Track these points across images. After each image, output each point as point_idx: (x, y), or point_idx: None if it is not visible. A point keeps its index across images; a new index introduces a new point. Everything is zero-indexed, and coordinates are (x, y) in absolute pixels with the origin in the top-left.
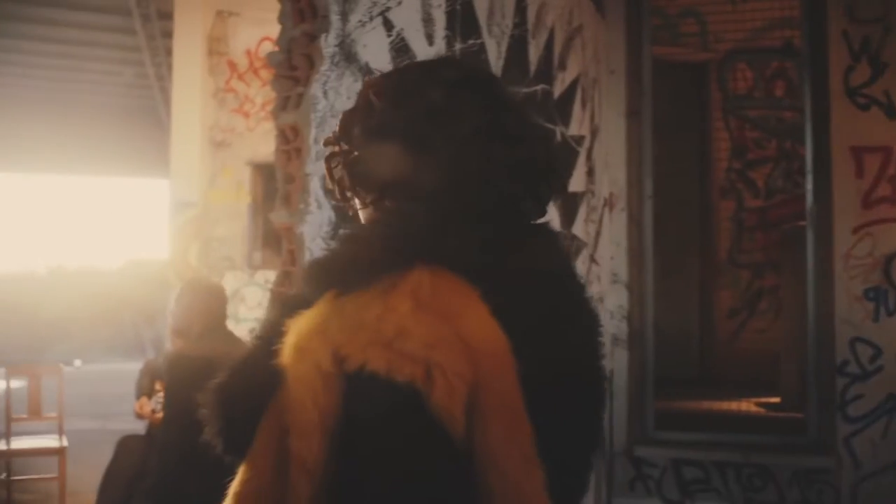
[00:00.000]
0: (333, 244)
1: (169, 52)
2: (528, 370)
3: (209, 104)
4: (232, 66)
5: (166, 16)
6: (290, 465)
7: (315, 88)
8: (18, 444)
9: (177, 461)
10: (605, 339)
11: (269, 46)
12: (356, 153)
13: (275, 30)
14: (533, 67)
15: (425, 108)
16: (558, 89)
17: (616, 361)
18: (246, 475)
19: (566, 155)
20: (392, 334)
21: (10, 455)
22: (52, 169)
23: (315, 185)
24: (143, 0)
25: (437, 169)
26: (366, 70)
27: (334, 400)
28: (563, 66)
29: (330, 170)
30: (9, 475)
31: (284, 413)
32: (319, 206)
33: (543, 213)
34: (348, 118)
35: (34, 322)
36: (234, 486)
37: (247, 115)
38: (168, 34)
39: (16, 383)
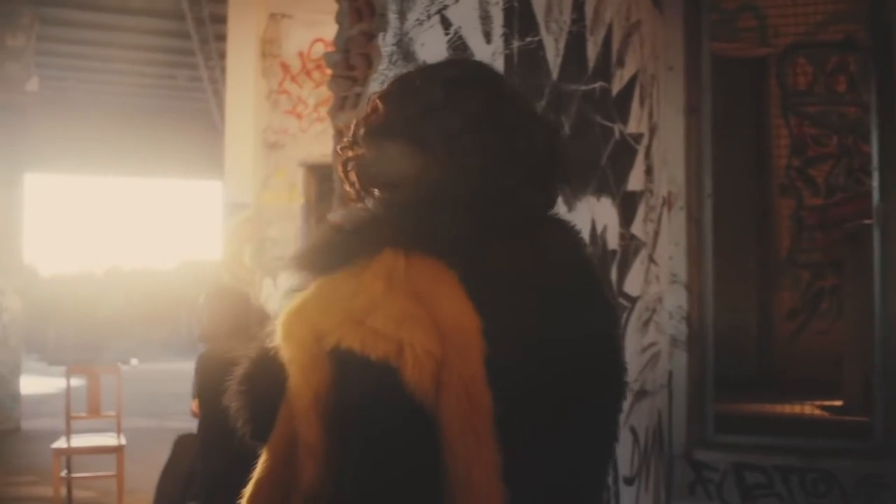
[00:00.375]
0: (314, 233)
1: (222, 55)
2: (508, 355)
3: (262, 106)
4: (285, 67)
5: (219, 19)
6: (297, 448)
7: (373, 88)
8: (78, 441)
9: (217, 459)
10: (664, 341)
11: (321, 48)
12: (363, 155)
13: (326, 31)
14: (591, 64)
15: (424, 107)
16: (616, 86)
17: (675, 363)
18: (264, 460)
19: (625, 153)
20: (363, 312)
21: (70, 452)
22: (109, 171)
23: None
24: (196, 4)
25: (434, 163)
26: None
27: (324, 378)
28: (621, 63)
29: (346, 173)
30: (69, 472)
31: (290, 397)
32: None
33: (551, 203)
34: (358, 122)
35: (92, 322)
36: (255, 472)
37: (300, 116)
38: (221, 37)
39: (75, 382)
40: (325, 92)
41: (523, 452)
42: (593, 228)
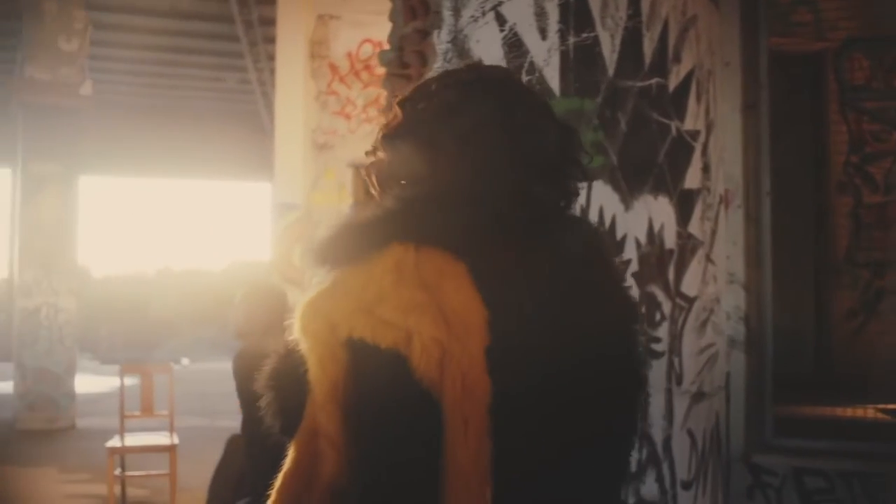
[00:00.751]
0: (327, 230)
1: (270, 57)
2: (511, 345)
3: (311, 107)
4: (333, 68)
5: (268, 22)
6: (318, 440)
7: None
8: (132, 440)
9: (261, 457)
10: (722, 342)
11: (369, 49)
12: (382, 157)
13: (374, 31)
14: (647, 60)
15: (438, 109)
16: (673, 82)
17: (733, 364)
18: (291, 453)
19: (682, 151)
20: (373, 302)
21: (124, 451)
22: (160, 173)
23: None
24: (245, 7)
25: (446, 162)
26: None
27: (340, 367)
28: (677, 59)
29: (370, 176)
30: (123, 470)
31: (311, 390)
32: None
33: (567, 201)
34: (379, 128)
35: (143, 322)
36: (284, 465)
37: (348, 117)
38: (269, 40)
39: (129, 381)
40: (373, 93)
41: (517, 442)
42: (650, 227)
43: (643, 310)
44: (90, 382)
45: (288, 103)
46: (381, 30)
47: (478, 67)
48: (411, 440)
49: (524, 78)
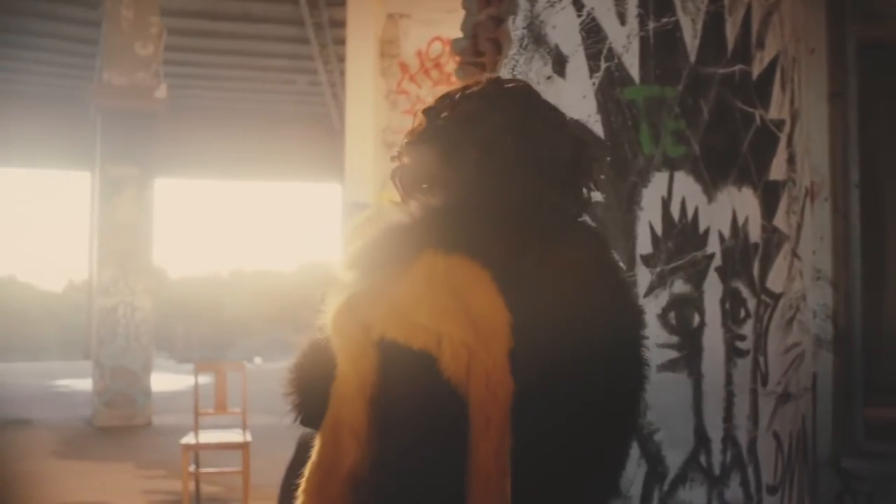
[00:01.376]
0: (363, 235)
1: (340, 58)
2: (532, 347)
3: (381, 106)
4: (403, 67)
5: (338, 24)
6: (341, 431)
7: (503, 74)
8: (206, 437)
9: None
10: (808, 341)
11: (439, 47)
12: (406, 163)
13: (444, 30)
14: (730, 46)
15: (458, 118)
16: (756, 69)
17: (820, 364)
18: (317, 445)
19: (766, 141)
20: (407, 306)
21: (198, 448)
22: (232, 175)
23: None
24: (315, 9)
25: (464, 169)
26: (555, 53)
27: (371, 366)
28: (761, 45)
29: (394, 179)
30: (197, 467)
31: (338, 384)
32: None
33: (579, 210)
34: (405, 134)
35: (217, 321)
36: (312, 456)
37: None
38: (339, 41)
39: (203, 379)
40: (442, 91)
41: (536, 439)
42: (734, 220)
43: (727, 306)
44: (166, 380)
45: (358, 103)
46: (450, 28)
47: (499, 80)
48: (438, 435)
49: (602, 65)
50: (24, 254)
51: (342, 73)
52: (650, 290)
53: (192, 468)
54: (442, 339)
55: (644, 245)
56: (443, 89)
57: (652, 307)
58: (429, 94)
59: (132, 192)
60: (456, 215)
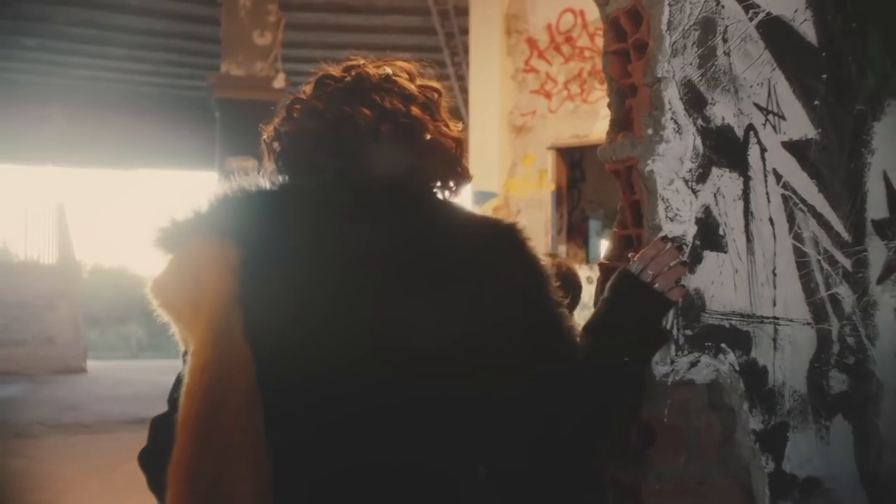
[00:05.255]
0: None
1: (467, 50)
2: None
3: (508, 87)
4: (532, 43)
5: (463, 11)
6: None
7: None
8: None
9: None
10: None
11: (570, 19)
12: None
13: (576, 0)
14: None
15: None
16: None
17: None
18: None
19: None
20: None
21: None
22: None
23: (671, 97)
24: None
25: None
26: None
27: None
28: None
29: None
30: None
31: None
32: (678, 130)
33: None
34: None
35: None
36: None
37: (548, 95)
38: (466, 31)
39: None
40: (575, 67)
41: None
42: None
43: None
44: None
45: (482, 85)
46: None
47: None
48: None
49: None
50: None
51: (469, 65)
52: (887, 273)
53: None
54: (179, 319)
55: (877, 206)
56: (577, 65)
57: (887, 298)
58: (559, 71)
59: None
60: (240, 202)
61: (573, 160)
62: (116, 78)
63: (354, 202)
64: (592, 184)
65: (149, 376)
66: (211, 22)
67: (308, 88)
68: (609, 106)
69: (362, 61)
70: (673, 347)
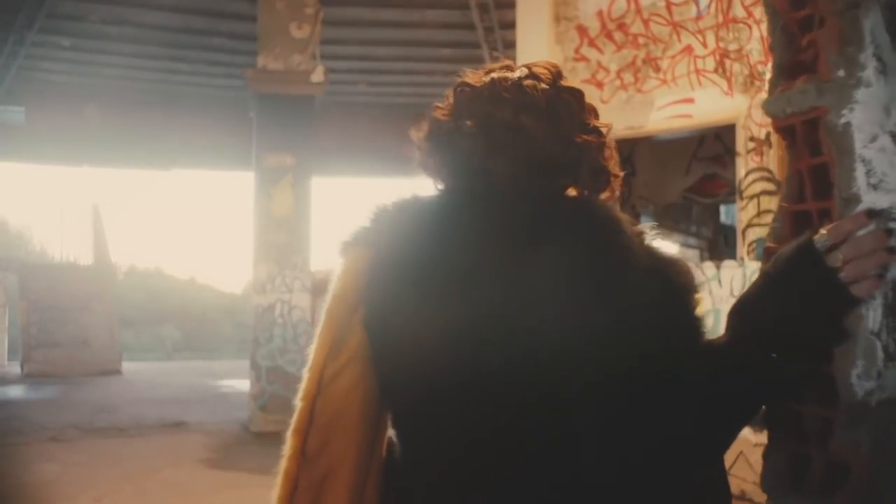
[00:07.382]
0: None
1: (507, 45)
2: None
3: None
4: (582, 31)
5: (503, 5)
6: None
7: None
8: None
9: None
10: None
11: (623, 5)
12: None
13: None
14: None
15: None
16: None
17: None
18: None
19: None
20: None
21: None
22: (395, 172)
23: (874, 27)
24: None
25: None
26: None
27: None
28: None
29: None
30: None
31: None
32: (883, 70)
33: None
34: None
35: None
36: None
37: (600, 85)
38: (505, 25)
39: None
40: (629, 55)
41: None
42: None
43: None
44: None
45: None
46: None
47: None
48: None
49: None
50: (205, 256)
51: (517, 54)
52: None
53: None
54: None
55: None
56: (630, 53)
57: None
58: (612, 59)
59: (288, 182)
60: (392, 214)
61: (624, 154)
62: (152, 77)
63: (536, 214)
64: (643, 178)
65: (184, 379)
66: (248, 19)
67: (450, 97)
68: (771, 48)
69: (499, 65)
70: (881, 355)
